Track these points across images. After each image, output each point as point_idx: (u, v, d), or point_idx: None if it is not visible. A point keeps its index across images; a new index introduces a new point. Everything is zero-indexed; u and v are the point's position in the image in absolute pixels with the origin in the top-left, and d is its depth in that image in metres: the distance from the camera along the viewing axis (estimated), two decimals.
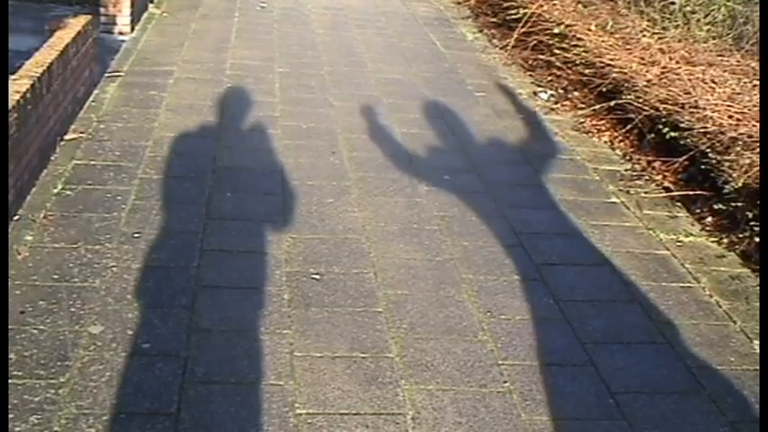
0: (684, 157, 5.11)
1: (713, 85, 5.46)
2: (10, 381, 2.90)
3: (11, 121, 3.85)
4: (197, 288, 3.62)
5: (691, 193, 4.99)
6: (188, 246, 3.96)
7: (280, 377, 3.10)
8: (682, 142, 5.15)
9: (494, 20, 9.03)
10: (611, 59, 6.30)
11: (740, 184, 4.48)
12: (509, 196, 4.91)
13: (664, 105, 5.43)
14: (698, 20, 6.80)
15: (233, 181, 4.72)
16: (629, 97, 5.81)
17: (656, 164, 5.45)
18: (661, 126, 5.40)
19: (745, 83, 5.46)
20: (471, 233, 4.40)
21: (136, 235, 4.00)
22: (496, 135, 5.95)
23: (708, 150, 4.87)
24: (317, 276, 3.82)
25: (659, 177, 5.33)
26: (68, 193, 4.36)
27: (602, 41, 6.64)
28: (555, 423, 3.02)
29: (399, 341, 3.40)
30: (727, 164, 4.67)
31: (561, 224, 4.63)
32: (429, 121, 6.07)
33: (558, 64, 7.05)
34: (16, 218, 4.02)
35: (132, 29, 7.47)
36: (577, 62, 6.71)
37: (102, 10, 7.21)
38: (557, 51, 7.07)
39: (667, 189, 5.18)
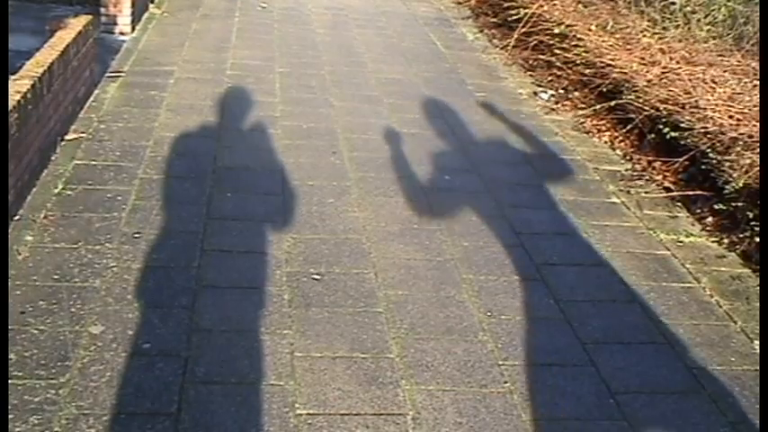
0: (685, 157, 5.11)
1: (714, 85, 5.46)
2: (10, 381, 2.90)
3: (11, 122, 3.85)
4: (197, 288, 3.62)
5: (691, 193, 4.99)
6: (188, 246, 3.96)
7: (280, 377, 3.10)
8: (682, 142, 5.15)
9: (494, 20, 9.03)
10: (612, 59, 6.30)
11: (741, 185, 4.48)
12: (509, 196, 4.91)
13: (664, 105, 5.43)
14: (698, 20, 6.80)
15: (233, 181, 4.72)
16: (629, 97, 5.81)
17: (657, 164, 5.45)
18: (661, 126, 5.40)
19: (745, 83, 5.46)
20: (472, 233, 4.40)
21: (136, 235, 4.00)
22: (497, 135, 5.95)
23: (708, 150, 4.87)
24: (317, 276, 3.82)
25: (660, 177, 5.33)
26: (69, 193, 4.36)
27: (603, 41, 6.64)
28: (555, 423, 3.02)
29: (400, 341, 3.40)
30: (727, 164, 4.67)
31: (561, 224, 4.63)
32: (429, 121, 6.07)
33: (558, 64, 7.05)
34: (17, 218, 4.02)
35: (133, 29, 7.47)
36: (578, 62, 6.71)
37: (102, 10, 7.21)
38: (557, 51, 7.07)
39: (668, 189, 5.18)
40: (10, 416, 2.74)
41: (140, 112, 5.59)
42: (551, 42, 7.27)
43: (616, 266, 4.20)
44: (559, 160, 5.57)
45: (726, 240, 4.57)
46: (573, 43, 6.90)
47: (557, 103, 6.74)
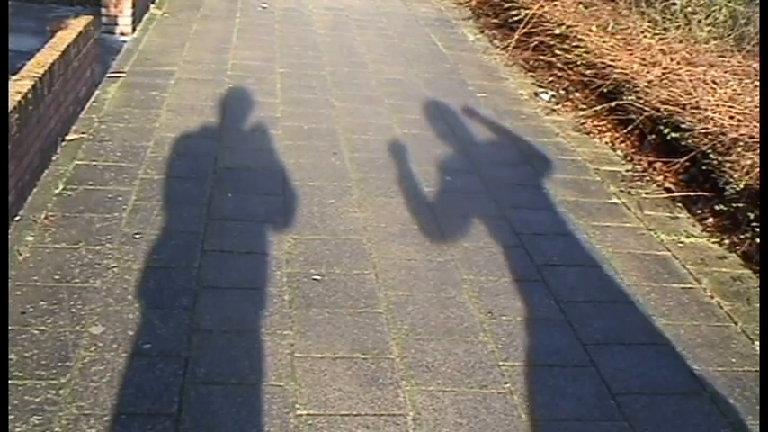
0: (685, 158, 5.11)
1: (714, 85, 5.46)
2: (11, 381, 2.90)
3: (12, 122, 3.85)
4: (198, 289, 3.62)
5: (692, 193, 4.99)
6: (189, 246, 3.96)
7: (280, 378, 3.10)
8: (683, 143, 5.15)
9: (495, 21, 9.04)
10: (613, 60, 6.30)
11: (741, 185, 4.47)
12: (510, 197, 4.91)
13: (665, 106, 5.43)
14: (699, 21, 6.80)
15: (234, 181, 4.72)
16: (630, 98, 5.81)
17: (658, 165, 5.44)
18: (662, 127, 5.40)
19: (746, 84, 5.46)
20: (472, 234, 4.40)
21: (137, 235, 4.00)
22: (497, 136, 5.95)
23: (709, 151, 4.87)
24: (317, 277, 3.82)
25: (660, 178, 5.32)
26: (69, 193, 4.36)
27: (604, 42, 6.64)
28: (556, 424, 3.02)
29: (400, 342, 3.40)
30: (728, 165, 4.67)
31: (562, 225, 4.63)
32: (430, 121, 6.07)
33: (559, 65, 7.05)
34: (17, 218, 4.03)
35: (133, 29, 7.48)
36: (578, 63, 6.71)
37: (103, 10, 7.22)
38: (558, 52, 7.07)
39: (668, 190, 5.17)
40: (10, 416, 2.74)
41: (141, 113, 5.59)
42: (552, 43, 7.27)
43: (617, 267, 4.19)
44: (560, 161, 5.57)
45: (727, 241, 4.57)
46: (574, 44, 6.90)
47: (557, 103, 6.75)
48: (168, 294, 3.55)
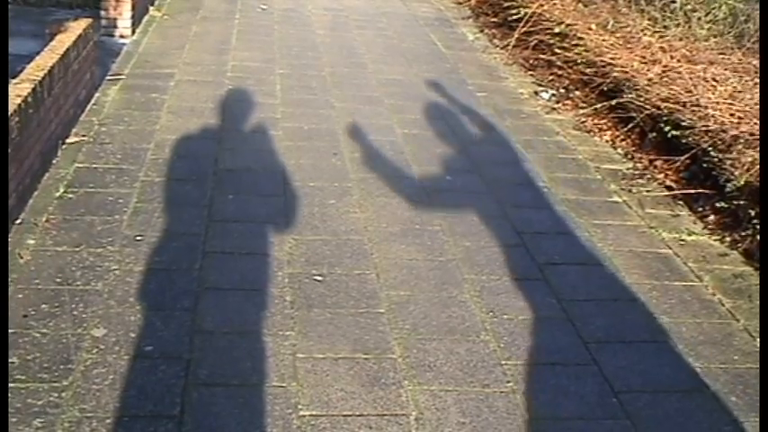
0: (686, 156, 5.11)
1: (714, 83, 5.46)
2: (13, 384, 2.90)
3: (12, 125, 3.85)
4: (199, 290, 3.62)
5: (693, 191, 4.98)
6: (190, 248, 3.96)
7: (282, 379, 3.10)
8: (683, 141, 5.15)
9: (494, 20, 9.03)
10: (612, 58, 6.29)
11: (742, 182, 4.47)
12: (511, 196, 4.90)
13: (665, 104, 5.42)
14: (699, 18, 6.80)
15: (235, 183, 4.72)
16: (630, 96, 5.80)
17: (658, 162, 5.44)
18: (662, 125, 5.39)
19: (746, 81, 5.45)
20: (473, 233, 4.40)
21: (138, 238, 4.00)
22: (498, 135, 5.95)
23: (710, 149, 4.87)
24: (319, 278, 3.82)
25: (661, 176, 5.32)
26: (70, 196, 4.36)
27: (603, 40, 6.63)
28: (558, 423, 3.02)
29: (402, 342, 3.40)
30: (729, 162, 4.66)
31: (563, 223, 4.63)
32: (430, 121, 6.07)
33: (558, 63, 7.05)
34: (18, 221, 4.03)
35: (133, 32, 7.48)
36: (578, 61, 6.71)
37: (102, 13, 7.23)
38: (557, 51, 7.07)
39: (669, 188, 5.17)
40: (13, 419, 2.74)
41: (141, 115, 5.60)
42: (552, 42, 7.27)
43: (618, 265, 4.19)
44: (561, 159, 5.56)
45: (728, 238, 4.56)
46: (573, 42, 6.90)
47: (557, 102, 6.74)
48: (170, 296, 3.55)
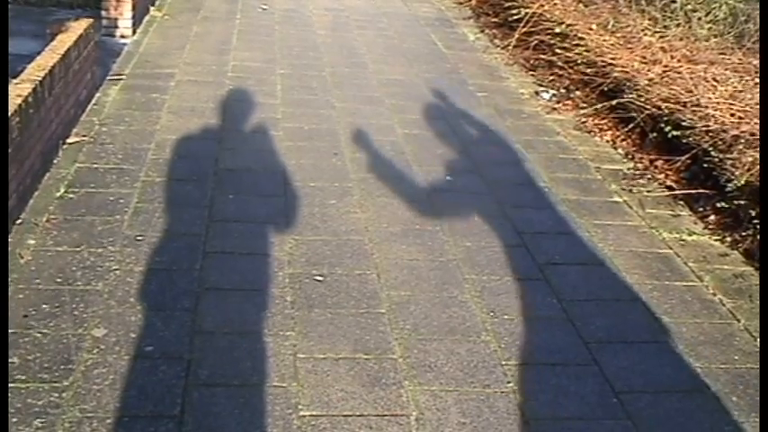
0: (687, 156, 5.11)
1: (715, 83, 5.46)
2: (13, 385, 2.90)
3: (13, 125, 3.85)
4: (200, 290, 3.62)
5: (693, 191, 4.98)
6: (191, 248, 3.96)
7: (283, 379, 3.10)
8: (684, 141, 5.15)
9: (495, 20, 9.03)
10: (613, 58, 6.29)
11: (743, 182, 4.47)
12: (511, 196, 4.90)
13: (666, 104, 5.42)
14: (699, 18, 6.80)
15: (235, 183, 4.72)
16: (630, 96, 5.80)
17: (659, 162, 5.44)
18: (663, 125, 5.39)
19: (746, 81, 5.45)
20: (474, 233, 4.39)
21: (138, 238, 4.00)
22: (498, 135, 5.95)
23: (710, 149, 4.86)
24: (319, 278, 3.82)
25: (662, 176, 5.32)
26: (71, 196, 4.36)
27: (604, 41, 6.63)
28: (559, 423, 3.02)
29: (403, 342, 3.40)
30: (729, 162, 4.66)
31: (564, 224, 4.62)
32: (431, 121, 6.07)
33: (559, 63, 7.05)
34: (19, 222, 4.03)
35: (134, 32, 7.48)
36: (579, 61, 6.70)
37: (103, 13, 7.23)
38: (558, 51, 7.07)
39: (670, 188, 5.17)
40: (13, 419, 2.74)
41: (142, 115, 5.60)
42: (552, 42, 7.27)
43: (619, 265, 4.19)
44: (561, 160, 5.56)
45: (728, 238, 4.56)
46: (574, 43, 6.90)
47: (558, 102, 6.74)
48: (170, 296, 3.55)
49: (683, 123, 5.17)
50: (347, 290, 3.74)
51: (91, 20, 5.75)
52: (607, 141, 5.97)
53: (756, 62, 5.70)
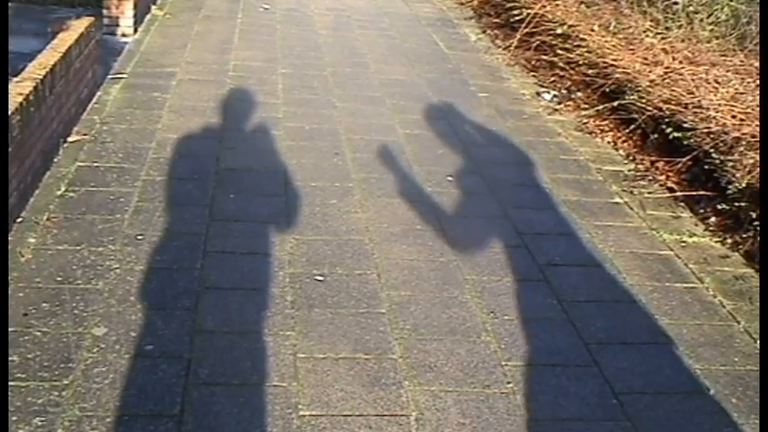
0: (688, 158, 5.11)
1: (716, 85, 5.46)
2: (13, 383, 2.90)
3: (13, 124, 3.85)
4: (200, 290, 3.62)
5: (694, 193, 4.98)
6: (191, 247, 3.96)
7: (283, 378, 3.10)
8: (685, 142, 5.15)
9: (497, 20, 9.03)
10: (615, 60, 6.29)
11: (744, 184, 4.47)
12: (512, 197, 4.90)
13: (667, 105, 5.42)
14: (701, 20, 6.80)
15: (236, 182, 4.72)
16: (632, 97, 5.80)
17: (660, 164, 5.44)
18: (664, 126, 5.39)
19: (748, 83, 5.45)
20: (474, 234, 4.39)
21: (139, 237, 4.00)
22: (499, 136, 5.95)
23: (711, 150, 4.87)
24: (320, 278, 3.82)
25: (663, 177, 5.32)
26: (71, 195, 4.36)
27: (605, 42, 6.63)
28: (558, 424, 3.02)
29: (403, 342, 3.40)
30: (730, 164, 4.66)
31: (564, 225, 4.62)
32: (432, 121, 6.07)
33: (561, 64, 7.05)
34: (19, 220, 4.03)
35: (135, 30, 7.48)
36: (580, 62, 6.70)
37: (104, 12, 7.23)
38: (560, 52, 7.07)
39: (671, 189, 5.17)
40: (13, 418, 2.74)
41: (143, 114, 5.60)
42: (554, 43, 7.27)
43: (619, 267, 4.19)
44: (562, 161, 5.56)
45: (729, 240, 4.56)
46: (575, 44, 6.90)
47: (559, 103, 6.74)
48: (170, 295, 3.55)
49: (685, 125, 5.17)
50: (347, 290, 3.74)
51: (92, 18, 5.74)
52: (608, 142, 5.97)
53: (758, 64, 5.70)
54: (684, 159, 5.14)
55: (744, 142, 4.70)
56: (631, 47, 6.47)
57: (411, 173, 5.10)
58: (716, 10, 6.88)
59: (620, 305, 3.86)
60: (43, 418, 2.77)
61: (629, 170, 5.50)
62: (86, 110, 5.52)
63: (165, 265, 3.79)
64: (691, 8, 6.95)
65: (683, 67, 5.82)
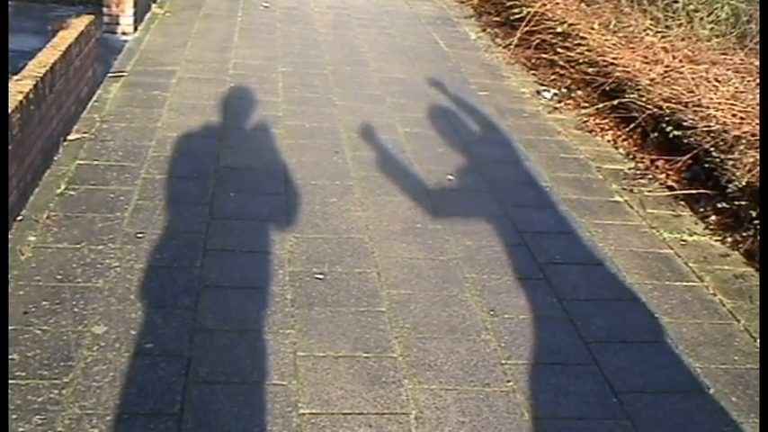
0: (688, 156, 5.11)
1: (716, 83, 5.46)
2: (13, 381, 2.90)
3: (14, 122, 3.85)
4: (200, 288, 3.62)
5: (694, 191, 4.98)
6: (191, 246, 3.96)
7: (283, 377, 3.10)
8: (685, 141, 5.15)
9: (497, 19, 9.03)
10: (615, 58, 6.29)
11: (744, 183, 4.47)
12: (512, 195, 4.90)
13: (667, 104, 5.42)
14: (701, 18, 6.79)
15: (236, 181, 4.72)
16: (632, 96, 5.80)
17: (660, 162, 5.44)
18: (664, 125, 5.39)
19: (748, 81, 5.45)
20: (474, 232, 4.39)
21: (139, 235, 4.00)
22: (500, 134, 5.94)
23: (711, 149, 4.86)
24: (320, 276, 3.82)
25: (663, 176, 5.32)
26: (71, 193, 4.36)
27: (606, 40, 6.63)
28: (558, 422, 3.02)
29: (402, 341, 3.40)
30: (730, 162, 4.66)
31: (564, 223, 4.62)
32: (432, 120, 6.07)
33: (561, 63, 7.05)
34: (19, 218, 4.03)
35: (135, 29, 7.48)
36: (580, 61, 6.70)
37: (105, 10, 7.22)
38: (560, 50, 7.07)
39: (671, 188, 5.17)
40: (13, 416, 2.74)
41: (143, 112, 5.60)
42: (554, 41, 7.27)
43: (619, 265, 4.19)
44: (562, 159, 5.56)
45: (729, 239, 4.56)
46: (575, 42, 6.90)
47: (559, 101, 6.74)
48: (170, 294, 3.55)
49: (685, 123, 5.17)
50: (347, 288, 3.75)
51: (92, 16, 5.74)
52: (608, 141, 5.96)
53: (758, 62, 5.70)
54: (684, 158, 5.14)
55: (744, 141, 4.70)
56: (631, 45, 6.47)
57: (411, 171, 5.10)
58: (716, 8, 6.88)
59: (619, 304, 3.86)
60: (43, 417, 2.77)
61: (630, 169, 5.50)
62: (86, 108, 5.52)
63: (165, 263, 3.79)
64: (691, 7, 6.95)
65: (683, 66, 5.82)
